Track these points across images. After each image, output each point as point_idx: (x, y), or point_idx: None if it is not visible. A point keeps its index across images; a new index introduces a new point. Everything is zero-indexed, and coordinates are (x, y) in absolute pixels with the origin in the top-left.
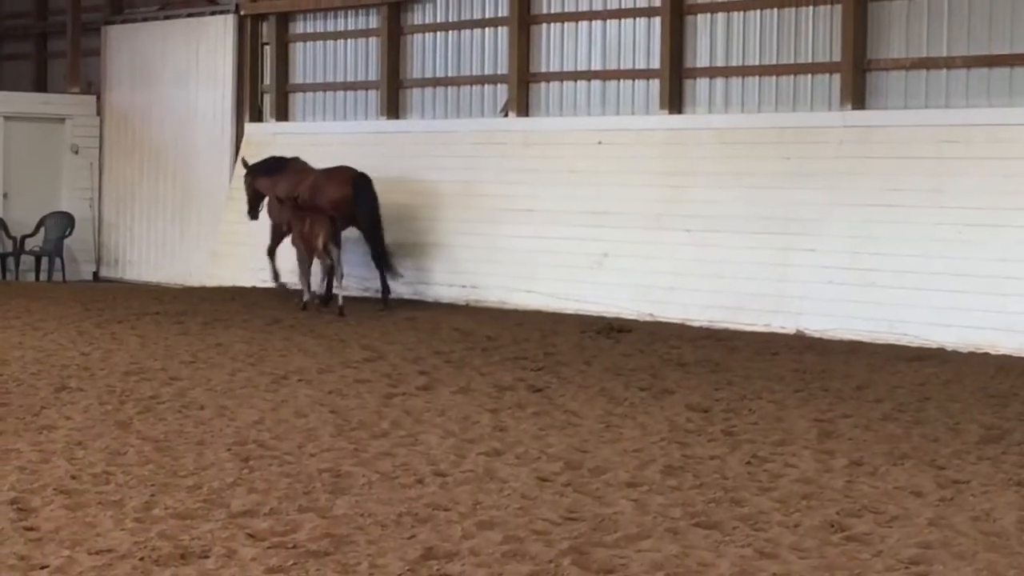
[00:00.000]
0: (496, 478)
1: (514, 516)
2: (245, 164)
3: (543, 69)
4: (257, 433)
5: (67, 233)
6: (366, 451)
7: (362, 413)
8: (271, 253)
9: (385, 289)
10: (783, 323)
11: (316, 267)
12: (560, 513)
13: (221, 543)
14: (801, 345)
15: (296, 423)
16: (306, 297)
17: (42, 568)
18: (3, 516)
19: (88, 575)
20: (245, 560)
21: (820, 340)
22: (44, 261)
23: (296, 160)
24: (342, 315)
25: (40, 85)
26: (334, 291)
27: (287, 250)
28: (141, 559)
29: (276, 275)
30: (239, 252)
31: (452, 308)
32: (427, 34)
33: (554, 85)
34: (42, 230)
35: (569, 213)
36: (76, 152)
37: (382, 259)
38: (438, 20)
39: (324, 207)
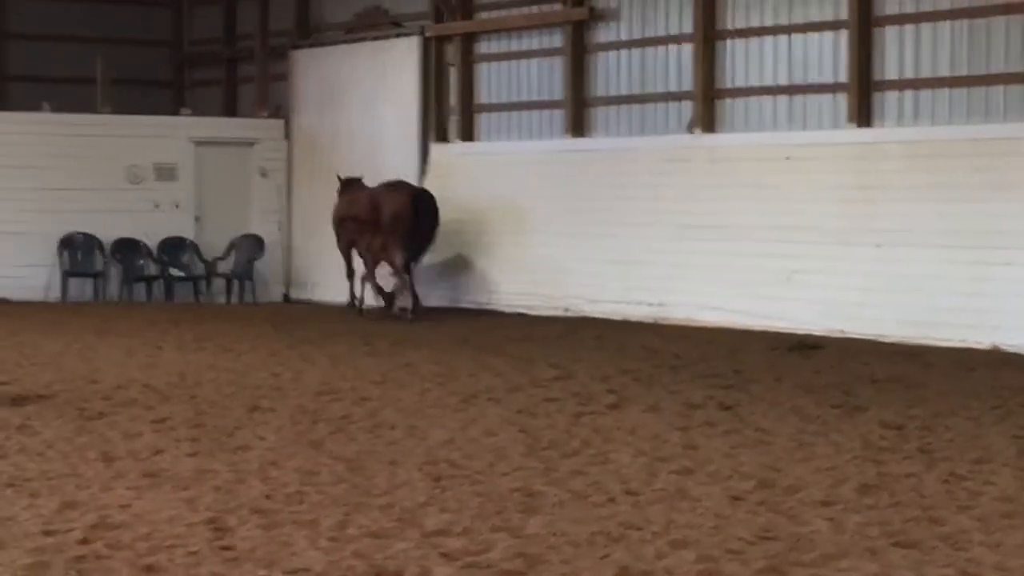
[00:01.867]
0: (688, 497)
1: (708, 535)
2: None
3: (728, 85)
4: (448, 452)
5: (257, 256)
6: (557, 470)
7: (552, 432)
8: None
9: (416, 298)
10: (979, 338)
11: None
12: (754, 532)
13: (415, 562)
14: (998, 361)
15: (486, 442)
16: (356, 300)
17: None
18: (200, 536)
19: None
20: None
21: (1018, 355)
22: (235, 283)
23: (358, 180)
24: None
25: (230, 110)
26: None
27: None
28: None
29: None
30: (425, 273)
31: (639, 326)
32: (611, 52)
33: (740, 101)
34: (232, 253)
35: (756, 229)
36: (265, 176)
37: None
38: (622, 38)
39: (384, 221)
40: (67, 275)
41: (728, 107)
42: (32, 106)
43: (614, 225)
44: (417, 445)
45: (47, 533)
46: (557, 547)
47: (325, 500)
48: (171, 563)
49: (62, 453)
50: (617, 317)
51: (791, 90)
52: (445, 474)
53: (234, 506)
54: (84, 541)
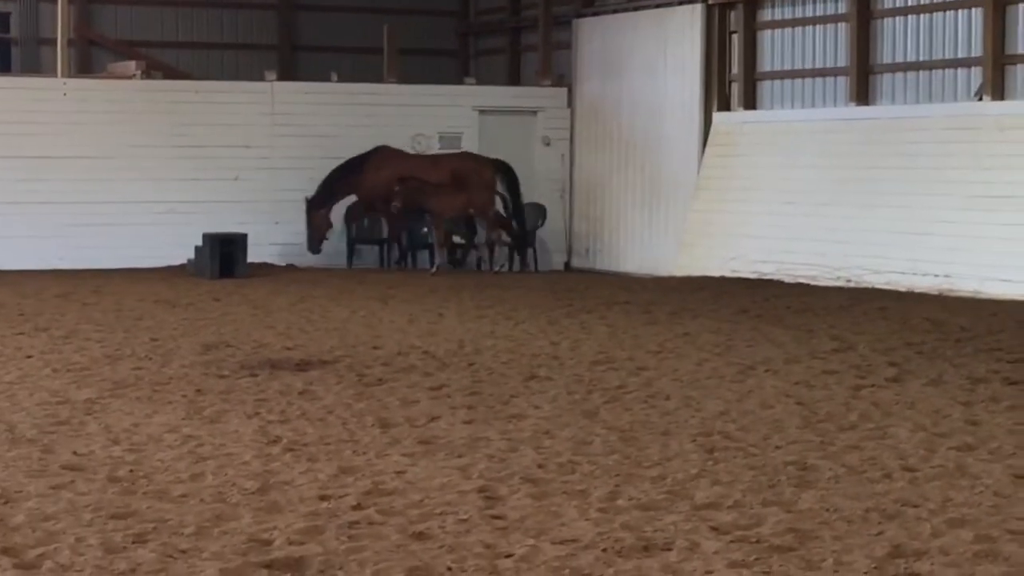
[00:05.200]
0: (968, 474)
1: (987, 514)
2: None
3: (1020, 51)
4: (722, 424)
5: (539, 224)
6: (833, 444)
7: (829, 405)
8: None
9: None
10: None
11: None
12: None
13: (684, 535)
14: None
15: (762, 414)
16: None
17: (507, 557)
18: (472, 504)
19: (551, 565)
20: (708, 553)
21: None
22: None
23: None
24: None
25: (514, 79)
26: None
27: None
28: (604, 550)
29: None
30: (708, 242)
31: (923, 297)
32: (897, 17)
33: None
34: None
35: None
36: (548, 144)
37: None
38: (909, 3)
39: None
40: (353, 242)
41: (1018, 73)
42: (320, 76)
43: (898, 195)
44: (691, 416)
45: (322, 498)
46: (829, 523)
47: (596, 470)
48: (441, 530)
49: (341, 419)
50: (901, 288)
51: None
52: (718, 446)
53: (506, 475)
54: (357, 507)
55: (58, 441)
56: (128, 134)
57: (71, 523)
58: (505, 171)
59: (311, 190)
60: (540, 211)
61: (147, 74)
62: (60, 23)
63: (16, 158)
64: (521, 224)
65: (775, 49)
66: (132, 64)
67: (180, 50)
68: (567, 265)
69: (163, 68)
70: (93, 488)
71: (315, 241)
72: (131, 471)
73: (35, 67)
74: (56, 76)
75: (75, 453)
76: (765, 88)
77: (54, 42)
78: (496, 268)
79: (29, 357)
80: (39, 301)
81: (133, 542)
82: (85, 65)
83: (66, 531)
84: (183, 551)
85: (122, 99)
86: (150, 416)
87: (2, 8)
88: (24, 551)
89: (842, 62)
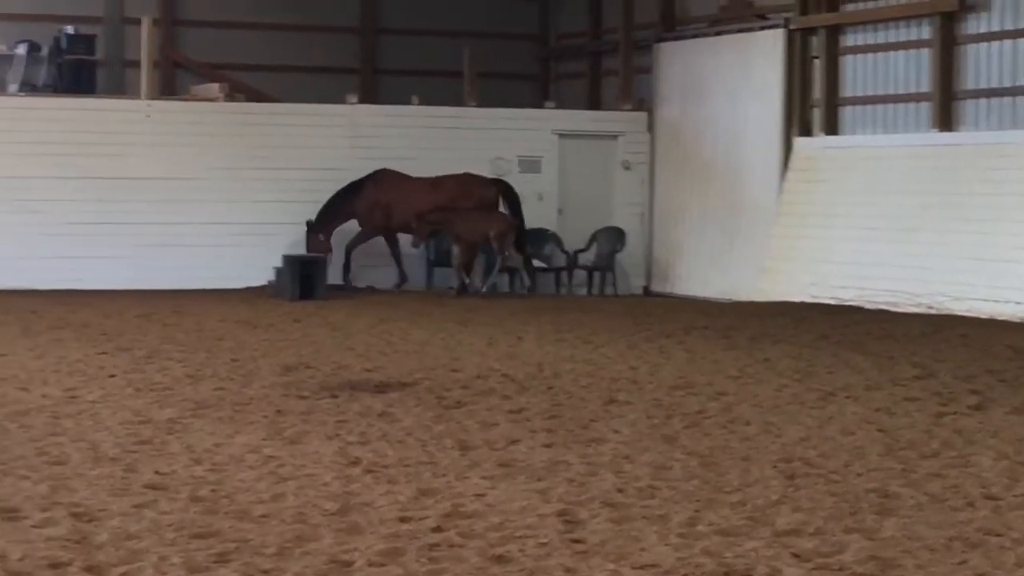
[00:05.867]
0: None
1: None
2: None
3: None
4: (803, 450)
5: (618, 248)
6: (915, 472)
7: (911, 432)
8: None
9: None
10: None
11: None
12: None
13: (765, 562)
14: None
15: (843, 441)
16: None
17: None
18: (551, 528)
19: None
20: None
21: None
22: (596, 275)
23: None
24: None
25: (594, 103)
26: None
27: None
28: (684, 575)
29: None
30: (788, 267)
31: (1006, 325)
32: (982, 44)
33: None
34: (594, 245)
35: None
36: (628, 168)
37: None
38: (993, 29)
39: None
40: (432, 265)
41: None
42: (401, 99)
43: (981, 221)
44: (772, 442)
45: (402, 520)
46: (912, 551)
47: (676, 495)
48: (521, 554)
49: (420, 441)
50: (983, 315)
51: None
52: (799, 472)
53: (586, 499)
54: (438, 529)
55: (141, 460)
56: (210, 156)
57: (154, 542)
58: (506, 191)
59: None
60: (619, 235)
61: (230, 96)
62: (145, 45)
63: (100, 179)
64: (522, 244)
65: (857, 74)
66: (215, 86)
67: (263, 73)
68: (646, 290)
69: (246, 90)
70: (175, 507)
71: None
72: (213, 491)
73: (120, 89)
74: (140, 98)
75: (157, 472)
76: (847, 113)
77: (139, 64)
78: (484, 289)
79: (112, 377)
80: (121, 321)
81: (215, 562)
82: (169, 87)
83: (149, 550)
84: (265, 571)
85: (205, 121)
86: (231, 436)
87: (88, 30)
88: (107, 569)
89: (925, 88)
